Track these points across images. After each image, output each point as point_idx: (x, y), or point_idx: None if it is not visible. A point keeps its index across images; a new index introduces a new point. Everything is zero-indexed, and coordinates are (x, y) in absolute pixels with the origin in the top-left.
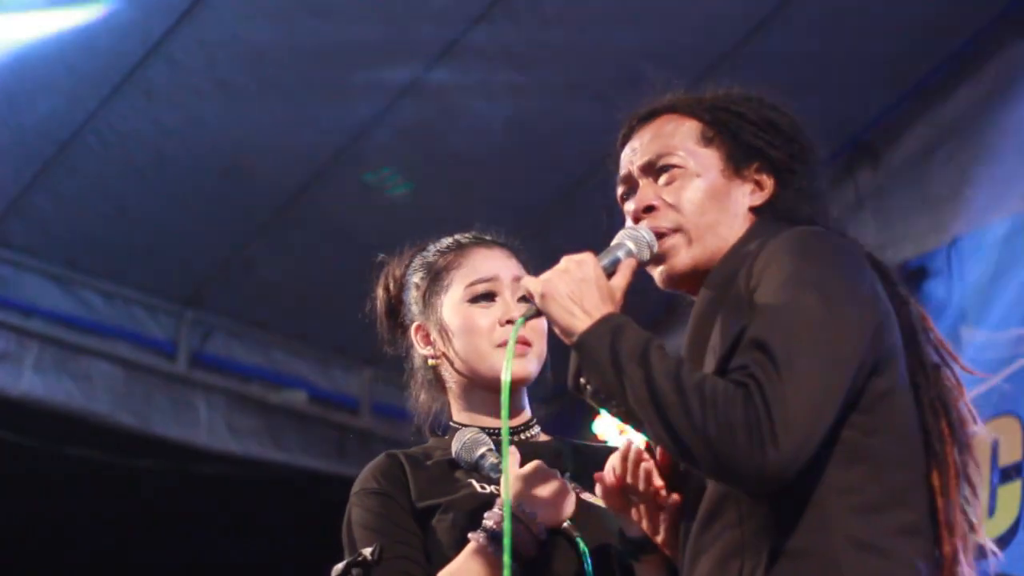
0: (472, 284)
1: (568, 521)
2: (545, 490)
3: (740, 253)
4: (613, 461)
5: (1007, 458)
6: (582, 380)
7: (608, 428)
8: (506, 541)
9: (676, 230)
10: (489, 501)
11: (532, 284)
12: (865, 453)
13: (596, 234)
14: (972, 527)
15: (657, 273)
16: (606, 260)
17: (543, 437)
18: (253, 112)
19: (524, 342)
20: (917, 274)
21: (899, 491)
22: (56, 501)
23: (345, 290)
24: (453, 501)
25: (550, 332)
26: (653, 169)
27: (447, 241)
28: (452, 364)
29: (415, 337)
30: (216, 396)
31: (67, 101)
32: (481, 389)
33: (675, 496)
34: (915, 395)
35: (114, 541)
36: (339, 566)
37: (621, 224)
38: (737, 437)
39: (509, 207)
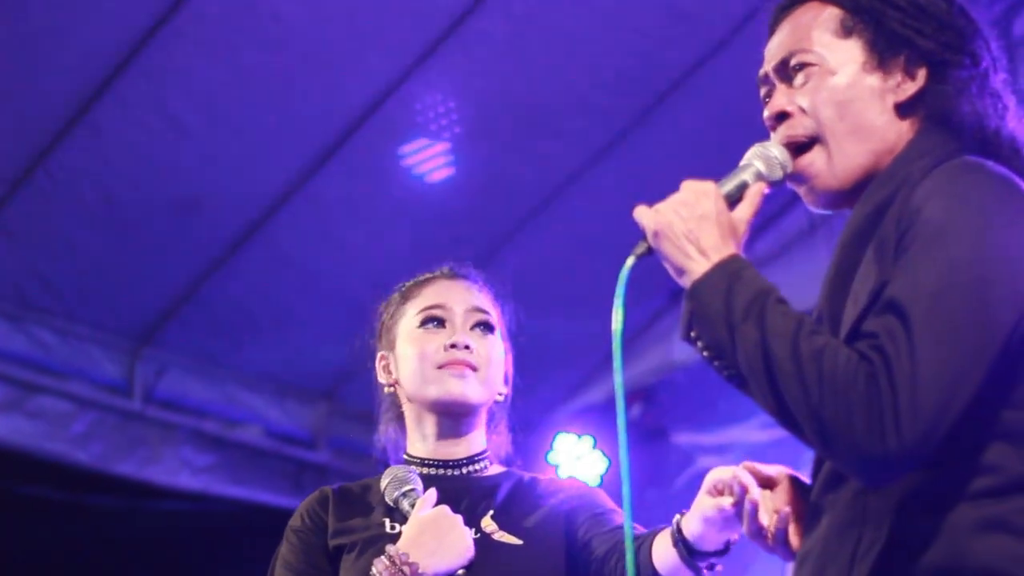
0: (424, 310)
1: (461, 570)
2: (436, 538)
3: (896, 176)
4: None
5: None
6: (692, 333)
7: (563, 458)
8: None
9: (813, 139)
10: (394, 542)
11: (646, 217)
12: (1009, 428)
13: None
14: None
15: (802, 193)
16: (731, 185)
17: (495, 470)
18: (204, 148)
19: (468, 364)
20: None
21: None
22: (11, 541)
23: (299, 325)
24: (360, 540)
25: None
26: (787, 69)
27: (422, 275)
28: (404, 391)
29: (378, 367)
30: (171, 433)
31: (16, 140)
32: (428, 415)
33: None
34: None
35: None
36: None
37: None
38: (854, 421)
39: (464, 240)
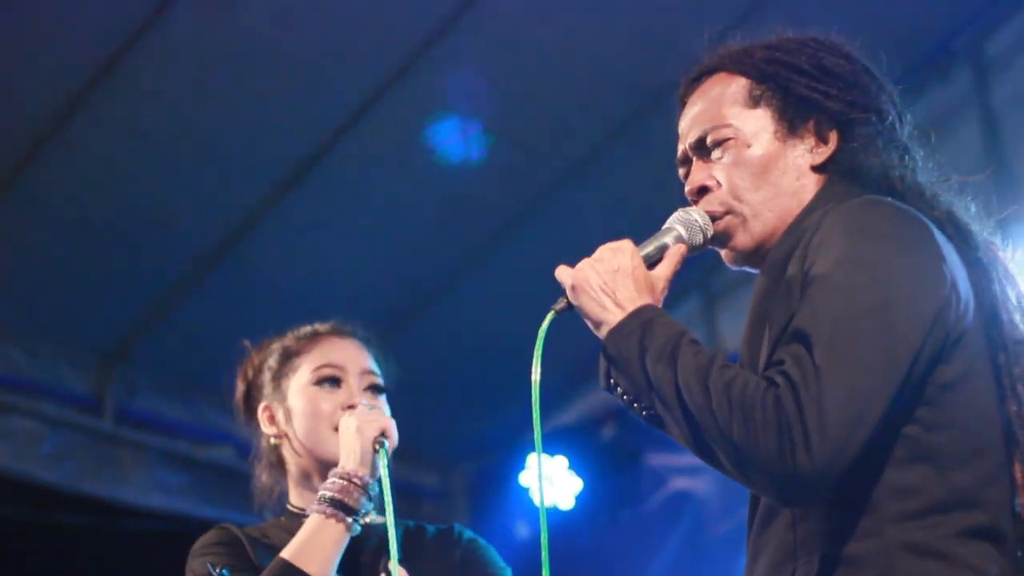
0: (319, 368)
1: None
2: None
3: (800, 227)
4: None
5: None
6: (612, 380)
7: (533, 481)
8: None
9: (729, 212)
10: None
11: (564, 274)
12: (928, 450)
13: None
14: None
15: (723, 254)
16: (651, 248)
17: (378, 518)
18: (176, 166)
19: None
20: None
21: (968, 490)
22: None
23: None
24: None
25: (581, 326)
26: (704, 145)
27: (306, 329)
28: (292, 444)
29: (261, 417)
30: (142, 452)
31: None
32: (316, 471)
33: None
34: (995, 378)
35: None
36: None
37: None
38: (765, 443)
39: (435, 262)
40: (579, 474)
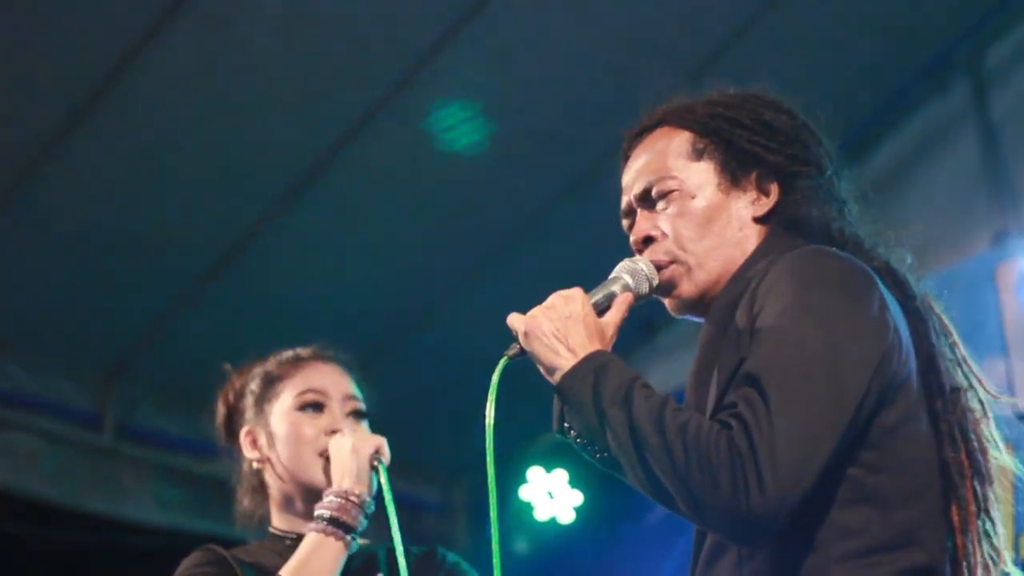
0: (302, 393)
1: None
2: None
3: (745, 276)
4: None
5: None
6: (566, 424)
7: (535, 495)
8: None
9: (674, 261)
10: None
11: (517, 321)
12: (871, 492)
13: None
14: (995, 563)
15: (667, 303)
16: (599, 296)
17: (361, 541)
18: (175, 181)
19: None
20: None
21: (909, 530)
22: None
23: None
24: None
25: (536, 373)
26: (649, 197)
27: (288, 354)
28: (275, 469)
29: (243, 441)
30: (143, 468)
31: None
32: (299, 495)
33: None
34: (933, 423)
35: None
36: None
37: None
38: (719, 482)
39: (437, 276)
40: (579, 488)
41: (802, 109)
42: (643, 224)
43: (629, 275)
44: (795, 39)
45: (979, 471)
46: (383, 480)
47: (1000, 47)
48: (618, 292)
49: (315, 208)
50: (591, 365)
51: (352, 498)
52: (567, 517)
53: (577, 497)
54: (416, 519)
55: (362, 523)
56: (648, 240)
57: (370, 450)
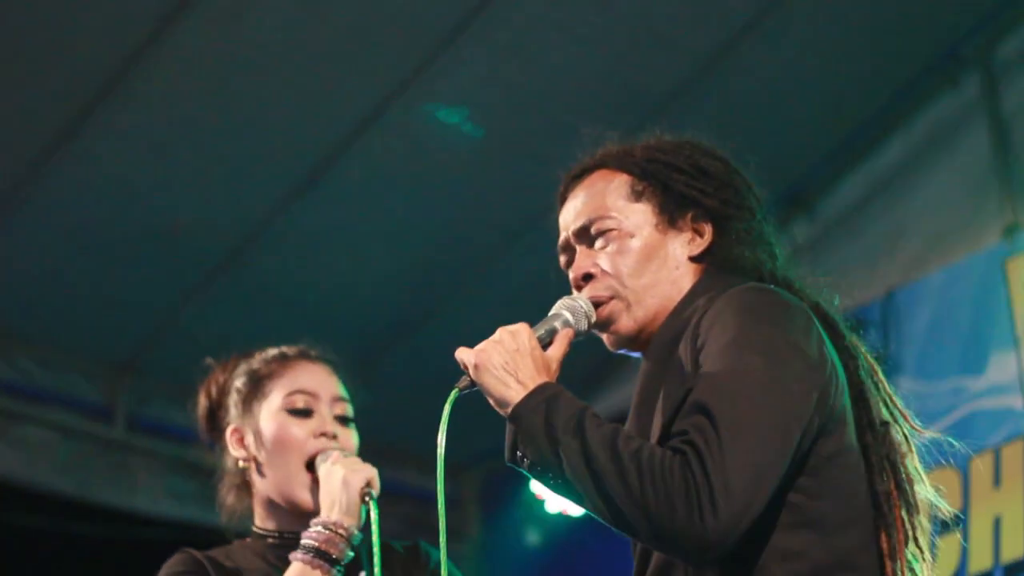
0: (291, 394)
1: None
2: None
3: (685, 312)
4: None
5: (946, 510)
6: (519, 453)
7: (545, 488)
8: None
9: (613, 297)
10: None
11: (466, 355)
12: (811, 517)
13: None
14: None
15: (604, 338)
16: (542, 331)
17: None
18: (186, 176)
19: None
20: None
21: (846, 554)
22: None
23: None
24: None
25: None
26: (588, 234)
27: (273, 351)
28: (260, 469)
29: (229, 439)
30: (155, 460)
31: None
32: (280, 500)
33: None
34: (864, 455)
35: None
36: None
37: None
38: (675, 505)
39: (446, 267)
40: None
41: (813, 104)
42: (583, 261)
43: (569, 312)
44: (806, 33)
45: (907, 501)
46: (372, 514)
47: (1011, 41)
48: (559, 328)
49: (326, 202)
50: (541, 396)
51: (340, 531)
52: (577, 510)
53: None
54: (427, 512)
55: (347, 555)
56: (588, 276)
57: (361, 483)
